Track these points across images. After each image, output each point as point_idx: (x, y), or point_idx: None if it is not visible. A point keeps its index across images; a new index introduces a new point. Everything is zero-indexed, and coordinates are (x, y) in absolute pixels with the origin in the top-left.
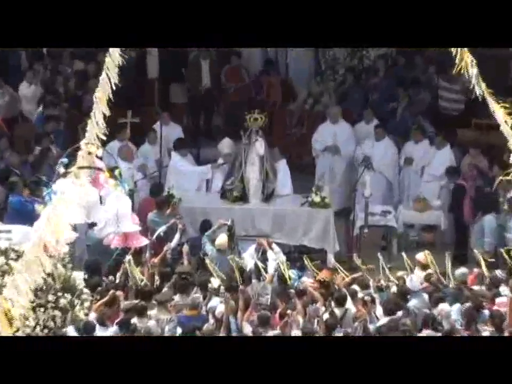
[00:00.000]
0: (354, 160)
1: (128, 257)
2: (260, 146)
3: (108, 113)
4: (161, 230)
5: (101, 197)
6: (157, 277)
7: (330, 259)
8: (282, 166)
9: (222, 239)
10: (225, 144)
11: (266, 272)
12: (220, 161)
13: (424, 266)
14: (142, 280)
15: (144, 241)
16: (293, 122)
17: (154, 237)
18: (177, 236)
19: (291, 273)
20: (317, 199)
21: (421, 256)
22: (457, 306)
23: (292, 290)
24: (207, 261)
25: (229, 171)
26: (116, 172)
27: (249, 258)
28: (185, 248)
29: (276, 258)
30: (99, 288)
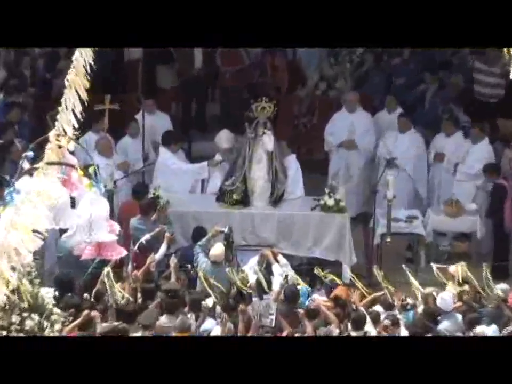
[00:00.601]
0: (375, 156)
1: (107, 269)
2: (268, 140)
3: (82, 99)
4: (144, 238)
5: (72, 199)
6: (139, 294)
7: (347, 273)
8: (293, 163)
9: (218, 249)
10: (224, 137)
11: (270, 288)
12: (218, 157)
13: (458, 282)
14: (122, 298)
15: (122, 253)
16: (302, 111)
17: (136, 247)
18: (163, 246)
19: (300, 289)
20: (331, 202)
21: (454, 269)
22: (495, 328)
23: (301, 310)
24: (200, 274)
25: (229, 169)
26: (91, 170)
27: (250, 272)
28: (173, 260)
29: (282, 272)
30: (72, 308)
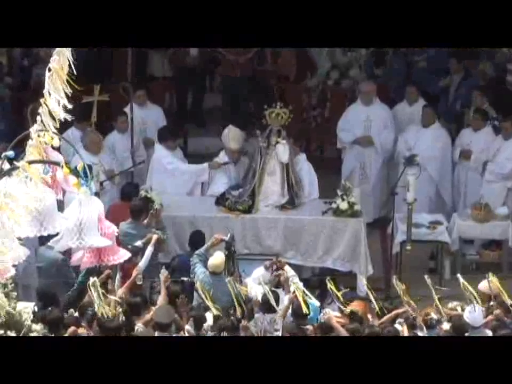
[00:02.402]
0: (394, 154)
1: (93, 279)
2: (282, 150)
3: (67, 89)
4: (135, 245)
5: (59, 201)
6: (121, 309)
7: (362, 285)
8: (306, 166)
9: (218, 258)
10: (233, 136)
11: (277, 303)
12: (223, 158)
13: (487, 295)
14: (107, 314)
15: (125, 255)
16: (312, 103)
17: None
18: (148, 250)
19: (309, 304)
20: (344, 205)
21: (484, 286)
22: None
23: (310, 327)
24: (198, 285)
25: (235, 177)
26: (79, 167)
27: (253, 285)
28: (163, 272)
29: (289, 284)
30: (54, 325)
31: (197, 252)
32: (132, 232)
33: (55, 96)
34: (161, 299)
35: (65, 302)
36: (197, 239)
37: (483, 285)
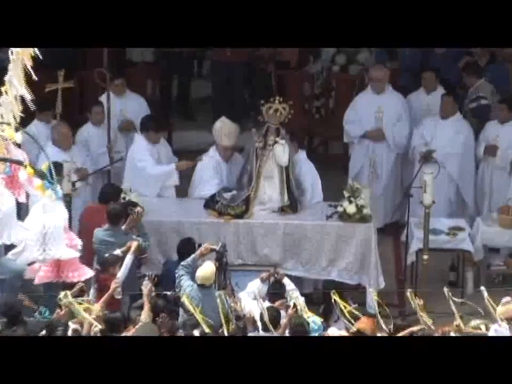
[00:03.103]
0: (409, 150)
1: (63, 292)
2: (281, 151)
3: (31, 77)
4: (113, 254)
5: (20, 205)
6: (98, 328)
7: (372, 300)
8: (306, 166)
9: (207, 269)
10: (226, 130)
11: (277, 321)
12: (212, 155)
13: None
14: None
15: (87, 273)
16: (315, 92)
17: (98, 264)
18: (128, 259)
19: (312, 322)
20: (351, 208)
21: (501, 308)
22: None
23: None
24: (184, 299)
25: (228, 178)
26: (44, 167)
27: (248, 300)
28: (146, 285)
29: (288, 299)
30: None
31: (183, 262)
32: (109, 240)
33: (17, 84)
34: (144, 315)
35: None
36: (187, 248)
37: (508, 300)
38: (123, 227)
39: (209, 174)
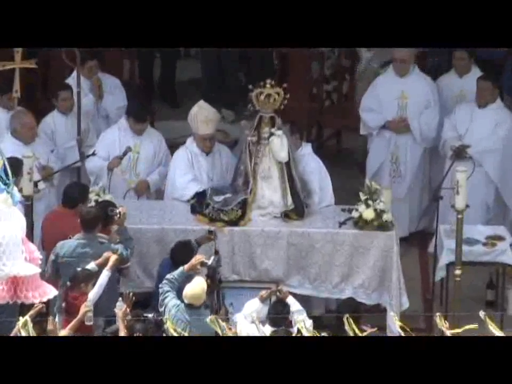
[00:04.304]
0: (438, 144)
1: (24, 319)
2: (279, 145)
3: None
4: (86, 268)
5: None
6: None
7: (394, 324)
8: (313, 162)
9: (197, 286)
10: (202, 116)
11: None
12: (189, 146)
13: None
14: None
15: (49, 293)
16: (325, 74)
17: (68, 282)
18: (103, 276)
19: None
20: (369, 214)
21: None
22: None
23: None
24: (168, 325)
25: (208, 175)
26: None
27: (244, 324)
28: (119, 306)
29: (294, 322)
30: None
31: (168, 276)
32: (83, 251)
33: None
34: (123, 335)
35: None
36: (183, 254)
37: None
38: (98, 234)
39: (182, 168)
